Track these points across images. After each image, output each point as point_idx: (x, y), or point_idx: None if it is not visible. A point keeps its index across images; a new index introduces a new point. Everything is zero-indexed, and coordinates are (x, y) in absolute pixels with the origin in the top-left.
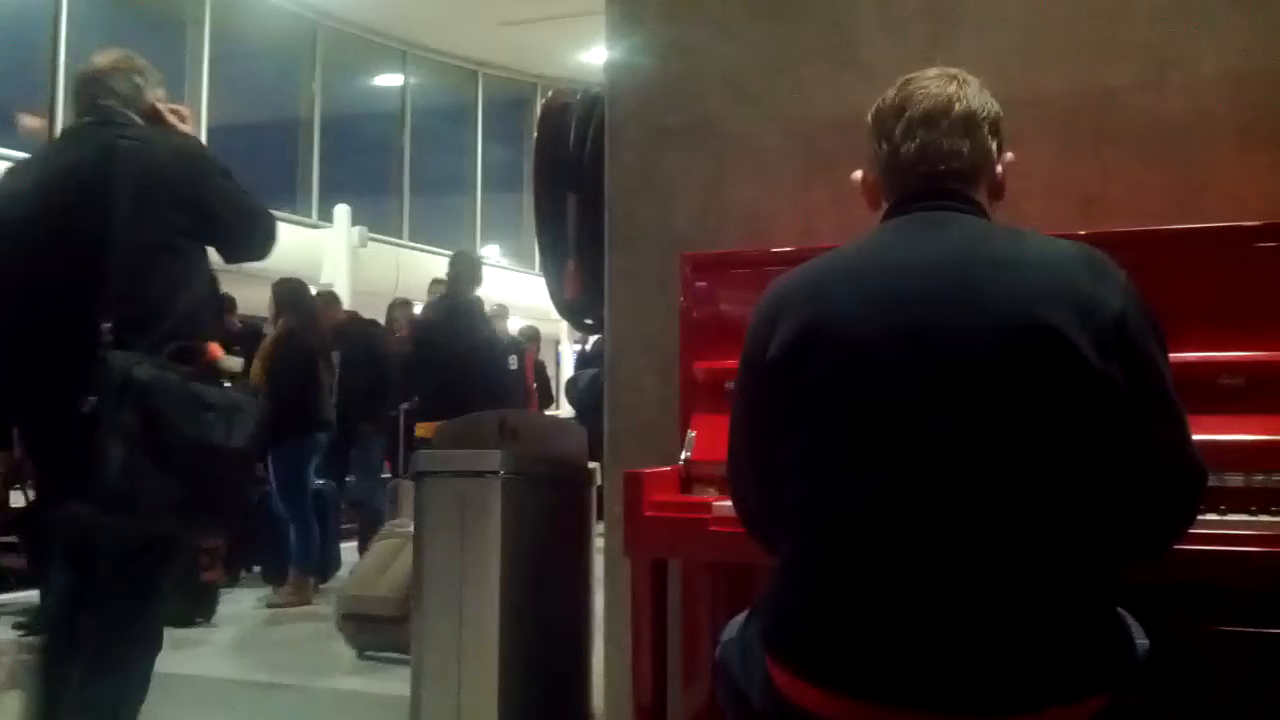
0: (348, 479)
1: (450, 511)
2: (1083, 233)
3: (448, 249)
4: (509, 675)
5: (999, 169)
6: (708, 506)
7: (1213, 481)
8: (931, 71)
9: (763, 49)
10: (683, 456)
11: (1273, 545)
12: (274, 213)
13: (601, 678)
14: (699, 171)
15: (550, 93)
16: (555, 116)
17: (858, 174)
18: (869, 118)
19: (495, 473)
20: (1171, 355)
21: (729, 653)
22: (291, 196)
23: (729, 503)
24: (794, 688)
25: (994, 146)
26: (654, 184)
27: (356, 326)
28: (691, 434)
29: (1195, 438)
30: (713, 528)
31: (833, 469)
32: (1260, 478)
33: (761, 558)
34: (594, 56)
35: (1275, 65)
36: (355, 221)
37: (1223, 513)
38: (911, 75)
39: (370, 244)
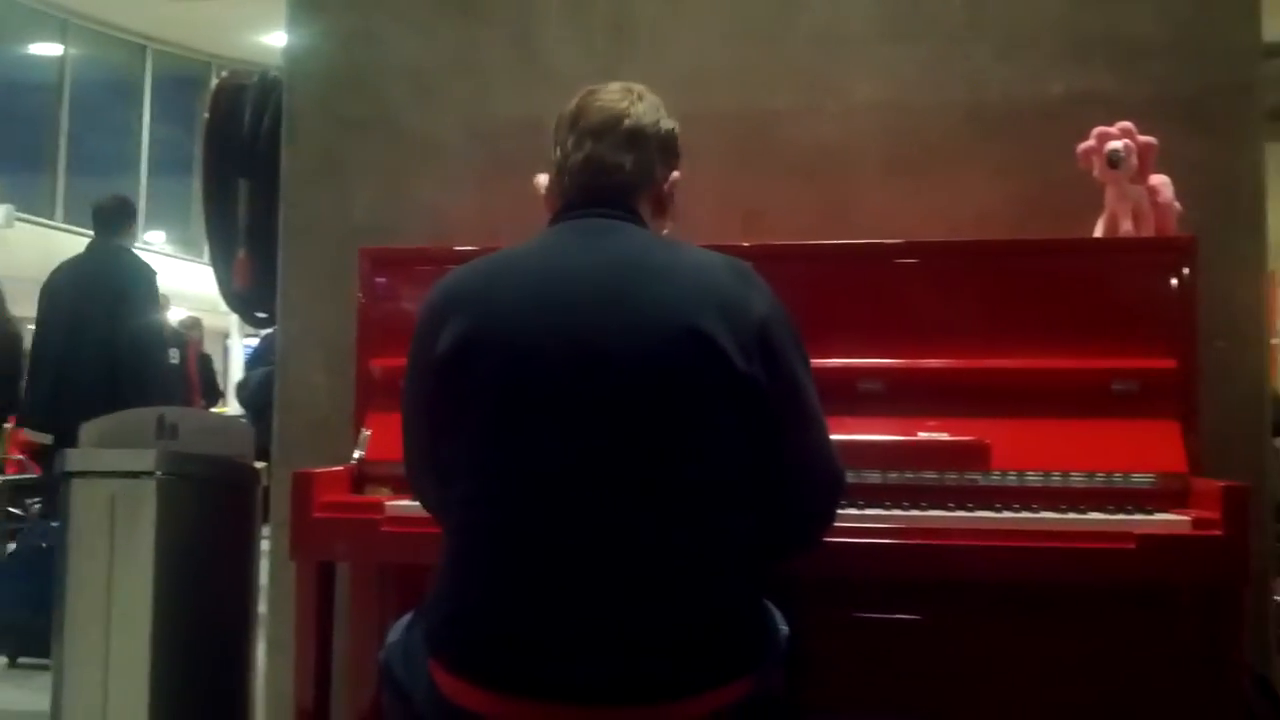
0: None
1: (100, 514)
2: (746, 245)
3: None
4: (161, 685)
5: (665, 186)
6: (380, 507)
7: (852, 479)
8: (613, 85)
9: (447, 46)
10: (355, 456)
11: (906, 538)
12: None
13: (263, 683)
14: (379, 165)
15: (225, 73)
16: (229, 98)
17: (542, 178)
18: (553, 126)
19: (150, 473)
20: (818, 361)
21: (393, 654)
22: None
23: (403, 502)
24: (455, 688)
25: (660, 162)
26: (332, 175)
27: None
28: (366, 433)
29: (838, 438)
30: (385, 529)
31: (491, 469)
32: (895, 475)
33: (434, 558)
34: (274, 39)
35: (917, 98)
36: (1, 199)
37: (861, 507)
38: (594, 87)
39: (18, 224)
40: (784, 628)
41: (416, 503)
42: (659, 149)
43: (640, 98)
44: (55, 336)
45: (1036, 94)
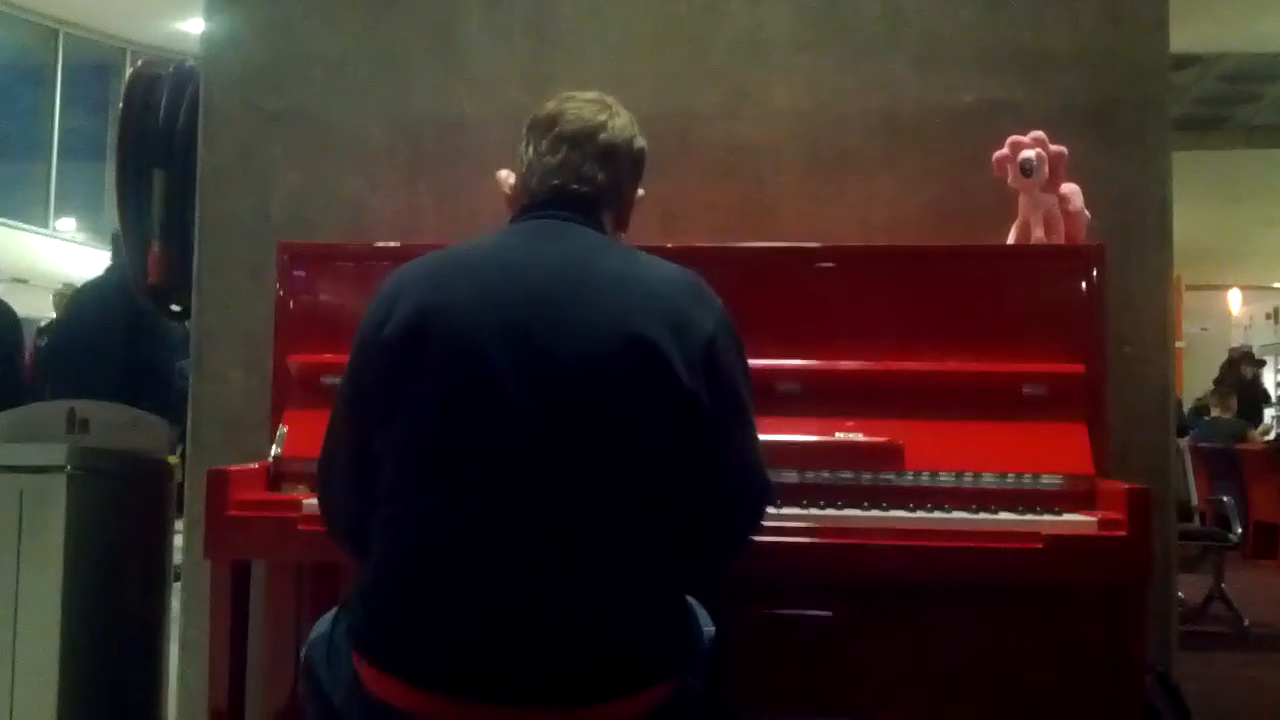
0: None
1: (8, 510)
2: (670, 246)
3: (15, 220)
4: (70, 685)
5: (628, 200)
6: (297, 505)
7: (771, 479)
8: (589, 94)
9: (367, 40)
10: (272, 453)
11: (823, 536)
12: None
13: (175, 683)
14: (298, 159)
15: (140, 62)
16: (144, 87)
17: (505, 173)
18: (526, 124)
19: (60, 468)
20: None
21: (316, 650)
22: None
23: None
24: (380, 683)
25: (627, 180)
26: (250, 168)
27: None
28: (283, 429)
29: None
30: (301, 527)
31: (425, 459)
32: (812, 475)
33: None
34: (192, 26)
35: (834, 103)
36: None
37: (779, 507)
38: (571, 93)
39: None
40: (709, 627)
41: None
42: (630, 166)
43: (616, 113)
44: None
45: (951, 103)
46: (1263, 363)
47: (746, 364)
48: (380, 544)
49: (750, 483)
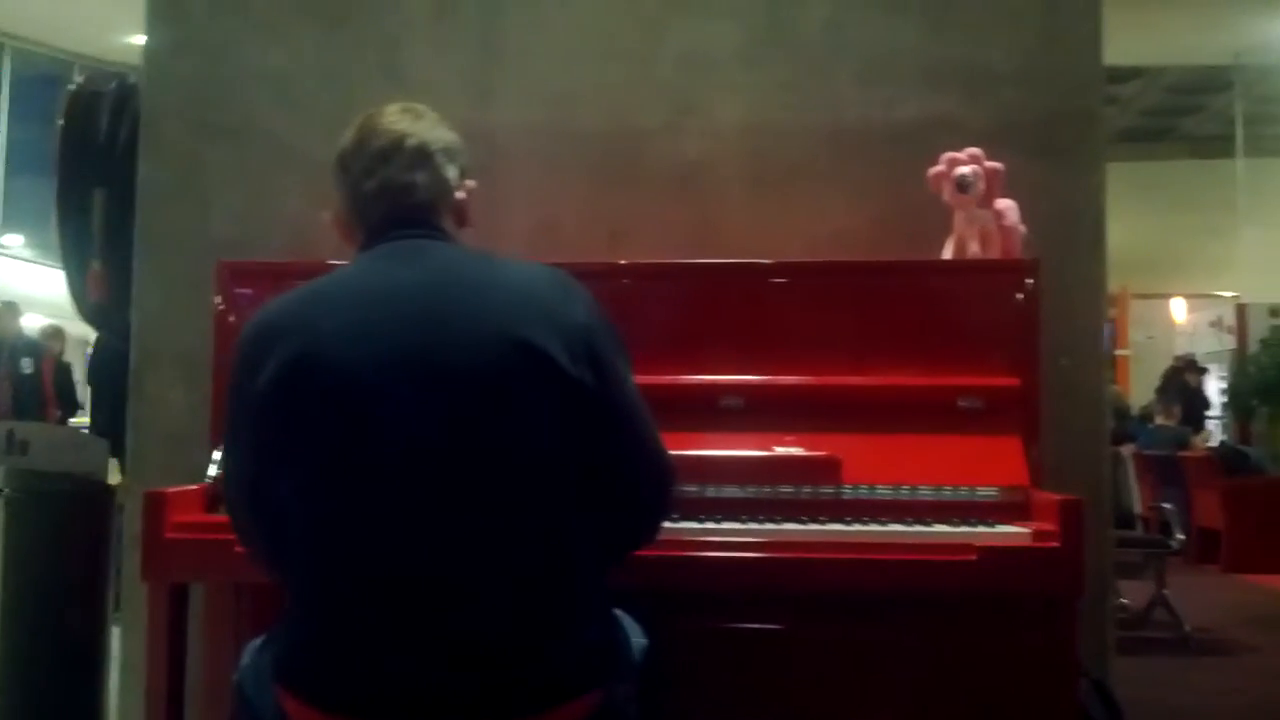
0: None
1: None
2: (624, 263)
3: None
4: (8, 709)
5: (460, 195)
6: None
7: (712, 493)
8: (391, 108)
9: (312, 56)
10: (211, 474)
11: (762, 550)
12: None
13: (116, 706)
14: (242, 176)
15: (80, 78)
16: (84, 104)
17: (326, 214)
18: (335, 160)
19: None
20: (680, 378)
21: (245, 677)
22: None
23: None
24: (302, 714)
25: (452, 174)
26: (192, 185)
27: None
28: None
29: (700, 453)
30: (239, 549)
31: (329, 497)
32: (753, 489)
33: None
34: (140, 39)
35: (778, 118)
36: None
37: (719, 521)
38: (371, 113)
39: None
40: (640, 640)
41: None
42: (447, 161)
43: (419, 116)
44: None
45: (891, 118)
46: (1205, 370)
47: (625, 349)
48: (297, 580)
49: (653, 466)
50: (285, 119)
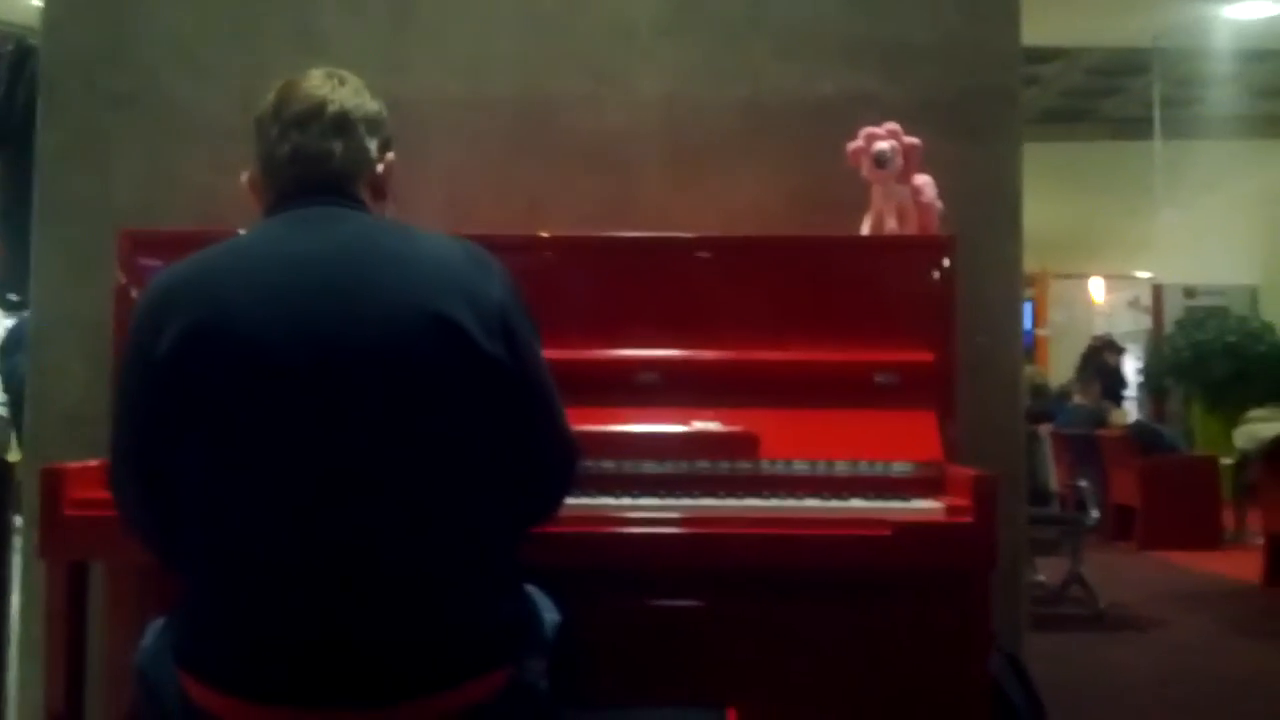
0: None
1: None
2: (541, 235)
3: None
4: None
5: (380, 168)
6: None
7: (629, 469)
8: (315, 72)
9: (220, 20)
10: None
11: (679, 526)
12: None
13: (16, 689)
14: (144, 143)
15: None
16: None
17: (244, 175)
18: (254, 121)
19: None
20: (598, 352)
21: (145, 658)
22: None
23: None
24: (205, 697)
25: (372, 146)
26: (93, 151)
27: None
28: None
29: (616, 429)
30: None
31: (225, 474)
32: (670, 465)
33: None
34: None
35: (697, 92)
36: None
37: (636, 497)
38: (292, 79)
39: None
40: (551, 615)
41: None
42: (368, 132)
43: (342, 82)
44: None
45: (810, 92)
46: (1123, 349)
47: (536, 328)
48: (195, 559)
49: (557, 445)
50: (190, 84)
